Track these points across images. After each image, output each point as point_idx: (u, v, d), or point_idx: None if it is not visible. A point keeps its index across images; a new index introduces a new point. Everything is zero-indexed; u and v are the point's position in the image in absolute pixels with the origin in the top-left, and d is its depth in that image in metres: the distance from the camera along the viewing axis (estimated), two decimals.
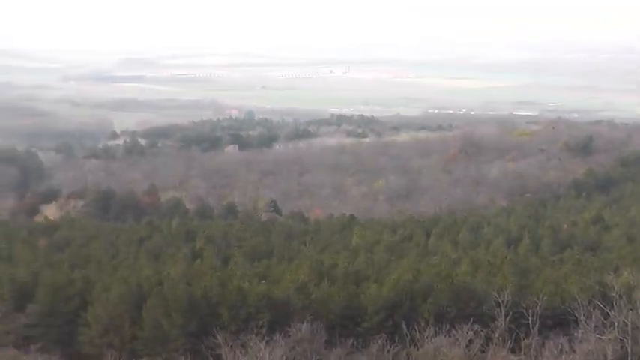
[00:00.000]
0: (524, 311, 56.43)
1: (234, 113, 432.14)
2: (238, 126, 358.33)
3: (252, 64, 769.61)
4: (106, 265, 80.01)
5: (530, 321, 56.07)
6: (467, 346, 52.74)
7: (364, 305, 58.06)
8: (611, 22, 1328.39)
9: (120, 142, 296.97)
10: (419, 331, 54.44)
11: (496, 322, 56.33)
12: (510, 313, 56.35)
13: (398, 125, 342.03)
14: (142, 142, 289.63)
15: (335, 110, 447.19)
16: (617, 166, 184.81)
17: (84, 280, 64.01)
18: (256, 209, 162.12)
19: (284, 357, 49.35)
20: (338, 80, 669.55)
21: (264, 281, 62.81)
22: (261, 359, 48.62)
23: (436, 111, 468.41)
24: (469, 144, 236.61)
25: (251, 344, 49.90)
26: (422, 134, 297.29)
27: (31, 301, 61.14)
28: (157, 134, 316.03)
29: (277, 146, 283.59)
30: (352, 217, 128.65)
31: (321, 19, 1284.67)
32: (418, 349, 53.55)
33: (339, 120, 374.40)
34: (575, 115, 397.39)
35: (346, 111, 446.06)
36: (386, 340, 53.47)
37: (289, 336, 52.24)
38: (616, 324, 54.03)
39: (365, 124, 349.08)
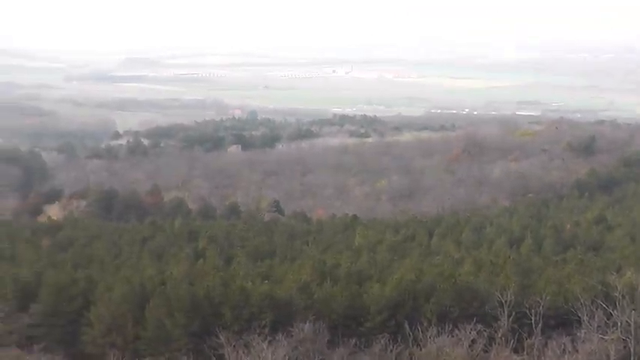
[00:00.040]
0: (527, 311, 56.40)
1: (237, 113, 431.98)
2: (241, 126, 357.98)
3: (255, 64, 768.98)
4: (109, 265, 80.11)
5: (532, 321, 56.04)
6: (470, 346, 52.75)
7: (367, 305, 58.08)
8: (611, 22, 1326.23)
9: (122, 142, 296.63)
10: (421, 331, 54.43)
11: (499, 322, 56.35)
12: (513, 313, 56.34)
13: (400, 125, 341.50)
14: (145, 142, 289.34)
15: (337, 110, 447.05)
16: (620, 166, 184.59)
17: (87, 280, 64.11)
18: (259, 209, 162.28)
19: (286, 357, 49.38)
20: (340, 80, 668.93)
21: (266, 281, 62.85)
22: (263, 359, 48.65)
23: (439, 111, 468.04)
24: (472, 144, 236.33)
25: (254, 344, 49.97)
26: (424, 134, 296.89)
27: (34, 301, 61.23)
28: (160, 134, 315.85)
29: (280, 146, 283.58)
30: (355, 217, 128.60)
31: (322, 19, 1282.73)
32: (421, 349, 53.57)
33: (342, 120, 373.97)
34: (578, 115, 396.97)
35: (349, 111, 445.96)
36: (388, 340, 53.49)
37: (292, 336, 52.28)
38: (619, 324, 54.02)
39: (367, 124, 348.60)
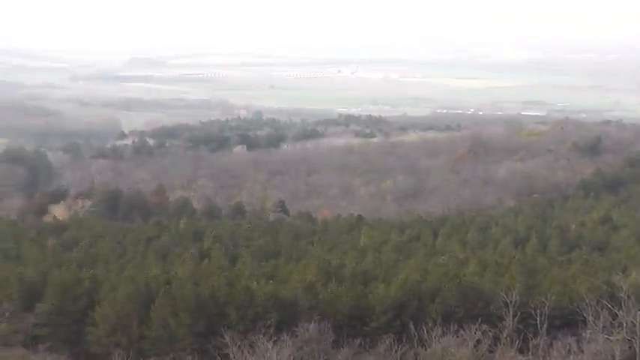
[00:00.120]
0: (532, 311, 56.37)
1: (242, 113, 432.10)
2: (246, 126, 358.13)
3: (260, 64, 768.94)
4: (114, 265, 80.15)
5: (538, 321, 56.01)
6: (475, 346, 52.74)
7: (372, 305, 58.07)
8: (610, 22, 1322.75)
9: (128, 141, 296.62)
10: (426, 331, 54.45)
11: (504, 322, 56.30)
12: (518, 313, 56.31)
13: (406, 125, 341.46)
14: (150, 141, 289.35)
15: (343, 110, 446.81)
16: (626, 166, 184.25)
17: (92, 279, 64.12)
18: (264, 209, 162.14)
19: (291, 357, 49.40)
20: (345, 80, 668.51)
21: (271, 281, 62.83)
22: (268, 359, 48.65)
23: (444, 111, 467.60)
24: (477, 144, 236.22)
25: (259, 344, 49.99)
26: (430, 134, 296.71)
27: (39, 301, 61.32)
28: (165, 134, 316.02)
29: (285, 146, 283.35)
30: (360, 217, 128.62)
31: (323, 19, 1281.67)
32: (426, 349, 53.57)
33: (347, 120, 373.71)
34: (584, 115, 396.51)
35: (354, 111, 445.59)
36: (393, 340, 53.49)
37: (297, 336, 52.31)
38: (624, 324, 53.93)
39: (373, 124, 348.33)
